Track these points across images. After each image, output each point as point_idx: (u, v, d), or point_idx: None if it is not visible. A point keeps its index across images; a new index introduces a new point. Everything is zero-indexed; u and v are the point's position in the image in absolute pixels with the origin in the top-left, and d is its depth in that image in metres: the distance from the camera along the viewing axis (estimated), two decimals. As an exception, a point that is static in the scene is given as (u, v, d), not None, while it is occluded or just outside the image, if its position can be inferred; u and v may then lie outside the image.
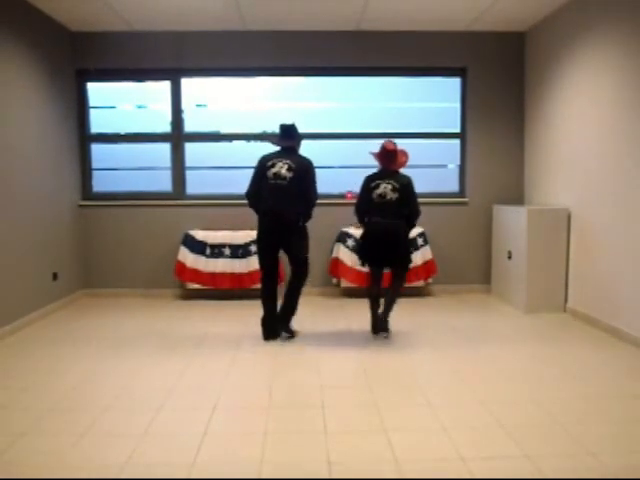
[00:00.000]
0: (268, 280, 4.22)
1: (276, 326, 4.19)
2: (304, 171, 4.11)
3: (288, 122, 4.28)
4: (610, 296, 4.30)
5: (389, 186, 4.10)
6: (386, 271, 4.37)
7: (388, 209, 4.08)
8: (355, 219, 4.37)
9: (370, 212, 4.14)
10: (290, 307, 4.22)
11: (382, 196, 4.10)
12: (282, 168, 4.07)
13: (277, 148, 4.25)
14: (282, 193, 4.05)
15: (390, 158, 4.20)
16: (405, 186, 4.12)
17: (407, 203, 4.12)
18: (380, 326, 4.23)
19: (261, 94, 5.89)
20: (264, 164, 4.14)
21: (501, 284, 5.57)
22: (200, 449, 2.46)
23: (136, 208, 5.77)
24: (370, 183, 4.18)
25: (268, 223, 4.10)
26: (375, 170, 4.26)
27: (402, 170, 4.27)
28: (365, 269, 5.17)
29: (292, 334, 4.21)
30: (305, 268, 4.22)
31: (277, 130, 4.28)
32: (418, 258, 5.52)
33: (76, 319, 4.89)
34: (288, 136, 4.23)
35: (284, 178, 4.06)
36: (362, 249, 4.25)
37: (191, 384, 3.30)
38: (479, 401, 2.99)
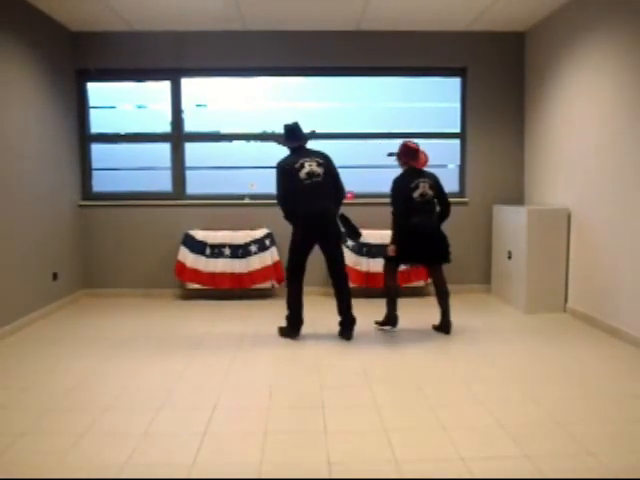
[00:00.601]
0: (302, 280, 4.22)
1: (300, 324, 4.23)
2: (331, 165, 4.19)
3: (291, 122, 4.27)
4: (610, 296, 4.30)
5: (426, 185, 4.19)
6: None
7: (429, 208, 4.21)
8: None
9: (412, 212, 4.15)
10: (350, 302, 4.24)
11: (423, 195, 4.17)
12: (312, 166, 4.07)
13: (284, 149, 4.24)
14: (320, 190, 4.06)
15: (416, 156, 4.26)
16: (438, 182, 4.29)
17: (441, 199, 4.29)
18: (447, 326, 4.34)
19: (261, 94, 5.89)
20: (292, 166, 4.08)
21: (501, 284, 5.57)
22: (200, 449, 2.46)
23: (136, 208, 5.77)
24: (409, 184, 4.18)
25: (313, 222, 4.07)
26: (399, 171, 4.32)
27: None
28: (368, 269, 5.20)
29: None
30: (344, 262, 4.27)
31: (277, 130, 4.28)
32: (418, 258, 5.52)
33: (76, 319, 4.89)
34: (300, 135, 4.24)
35: (318, 175, 4.06)
36: (407, 249, 4.23)
37: (191, 384, 3.30)
38: (479, 401, 2.99)
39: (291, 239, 4.20)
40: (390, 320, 4.40)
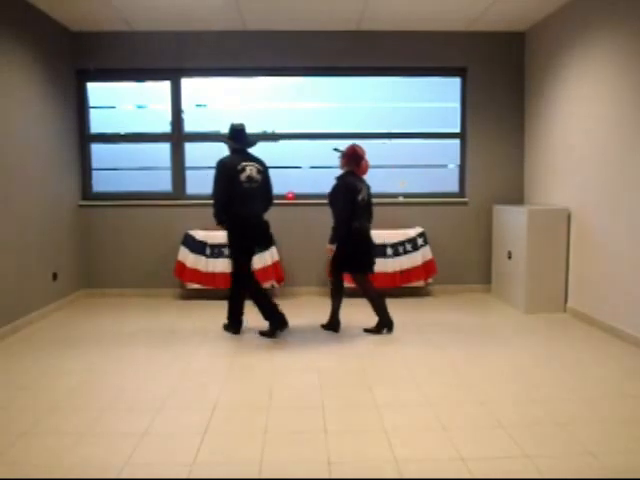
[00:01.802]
0: (254, 279, 4.32)
1: (283, 316, 4.25)
2: (267, 172, 4.25)
3: (238, 122, 4.27)
4: (610, 296, 4.30)
5: (365, 191, 4.22)
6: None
7: (367, 213, 4.26)
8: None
9: (355, 216, 4.13)
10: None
11: (363, 200, 4.18)
12: (252, 171, 4.11)
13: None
14: (255, 195, 4.12)
15: (359, 163, 4.25)
16: (370, 194, 4.30)
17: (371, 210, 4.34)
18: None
19: (261, 94, 5.89)
20: (234, 168, 4.09)
21: (501, 284, 5.57)
22: (200, 449, 2.47)
23: (136, 208, 5.76)
24: (356, 186, 4.16)
25: (249, 226, 4.14)
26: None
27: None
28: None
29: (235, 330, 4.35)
30: None
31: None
32: (418, 258, 5.52)
33: (76, 319, 4.89)
34: (245, 138, 4.25)
35: (256, 181, 4.11)
36: (363, 255, 4.23)
37: (191, 384, 3.30)
38: (479, 401, 2.99)
39: (229, 244, 4.27)
40: (385, 324, 4.33)
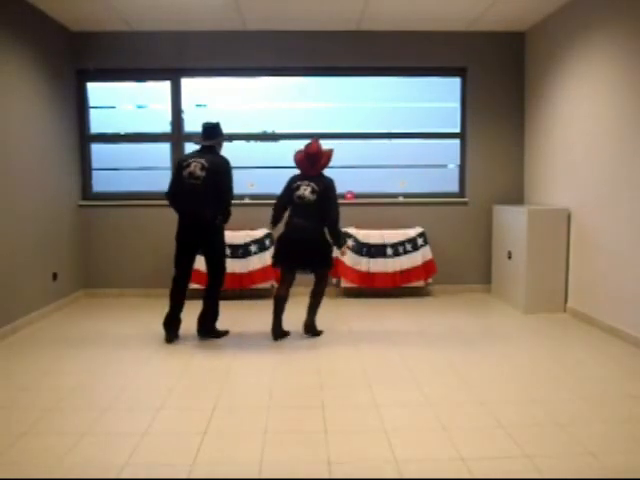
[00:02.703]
0: (181, 280, 4.24)
1: (178, 327, 4.18)
2: (217, 170, 4.05)
3: (213, 121, 4.25)
4: (610, 296, 4.30)
5: (309, 188, 4.07)
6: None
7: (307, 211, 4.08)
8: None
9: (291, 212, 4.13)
10: (213, 311, 4.21)
11: (301, 197, 4.08)
12: (196, 167, 4.05)
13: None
14: (196, 193, 4.03)
15: (313, 161, 4.14)
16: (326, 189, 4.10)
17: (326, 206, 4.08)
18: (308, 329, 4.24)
19: (261, 94, 5.89)
20: (181, 164, 4.11)
21: (501, 284, 5.57)
22: (200, 449, 2.47)
23: (136, 208, 5.76)
24: (292, 184, 4.14)
25: (186, 223, 4.12)
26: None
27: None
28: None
29: (218, 335, 4.22)
30: (222, 269, 4.22)
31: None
32: (418, 258, 5.52)
33: (76, 319, 4.89)
34: (208, 135, 4.20)
35: (197, 177, 4.04)
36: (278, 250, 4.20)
37: (191, 384, 3.30)
38: (479, 401, 2.99)
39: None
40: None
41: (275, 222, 4.27)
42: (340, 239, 4.17)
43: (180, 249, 4.20)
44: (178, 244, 4.19)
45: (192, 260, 4.24)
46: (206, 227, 4.07)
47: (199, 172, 4.02)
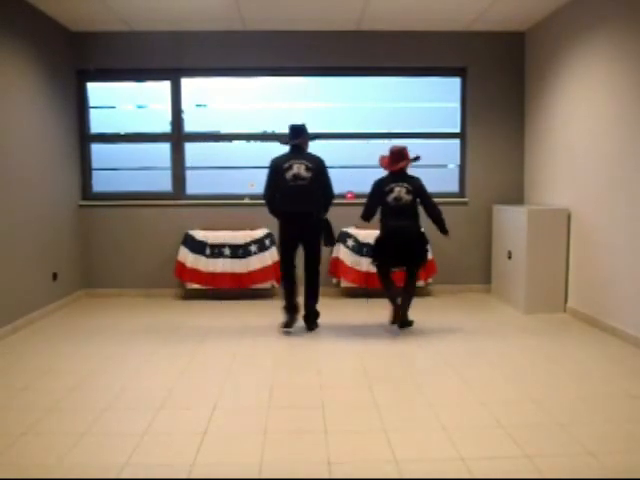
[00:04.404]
0: (292, 272, 4.40)
1: (297, 312, 4.38)
2: (320, 169, 4.25)
3: (298, 123, 4.35)
4: (610, 296, 4.30)
5: (403, 189, 4.28)
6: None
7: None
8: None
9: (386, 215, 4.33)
10: (316, 296, 4.43)
11: (398, 199, 4.28)
12: (300, 169, 4.15)
13: (286, 148, 4.31)
14: (304, 192, 4.16)
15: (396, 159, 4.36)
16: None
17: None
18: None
19: (261, 94, 5.89)
20: (280, 166, 4.20)
21: (501, 284, 5.57)
22: (200, 449, 2.46)
23: (136, 208, 5.76)
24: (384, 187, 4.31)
25: (294, 223, 4.22)
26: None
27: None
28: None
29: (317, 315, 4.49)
30: (320, 258, 4.42)
31: (277, 130, 4.29)
32: (418, 258, 5.52)
33: (76, 319, 4.89)
34: (297, 135, 4.29)
35: (304, 178, 4.15)
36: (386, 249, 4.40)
37: (191, 384, 3.30)
38: (479, 401, 2.99)
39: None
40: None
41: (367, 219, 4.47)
42: (445, 224, 4.44)
43: (288, 246, 4.34)
44: (285, 242, 4.33)
45: (296, 252, 4.40)
46: (313, 223, 4.26)
47: (305, 173, 4.17)
